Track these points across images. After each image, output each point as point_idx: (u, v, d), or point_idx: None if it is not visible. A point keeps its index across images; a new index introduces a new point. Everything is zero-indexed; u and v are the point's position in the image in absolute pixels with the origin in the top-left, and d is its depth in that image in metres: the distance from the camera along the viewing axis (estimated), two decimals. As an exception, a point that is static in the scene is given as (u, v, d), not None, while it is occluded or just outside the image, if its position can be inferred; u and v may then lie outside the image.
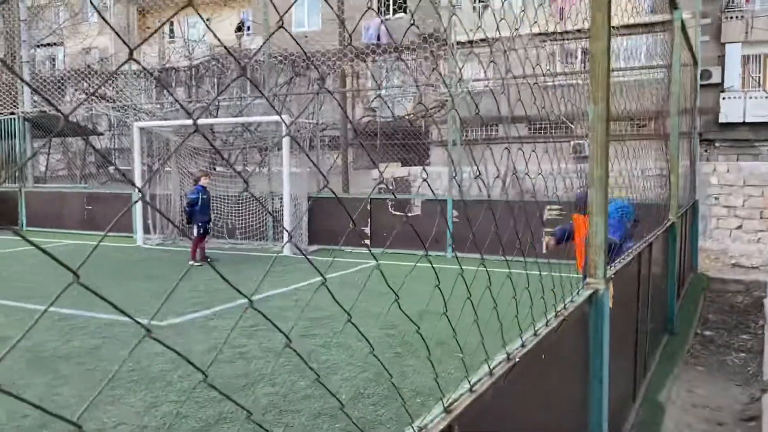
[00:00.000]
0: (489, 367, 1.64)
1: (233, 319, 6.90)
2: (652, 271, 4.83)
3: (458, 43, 15.62)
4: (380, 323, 6.78)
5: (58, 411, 3.27)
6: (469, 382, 1.52)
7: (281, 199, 12.91)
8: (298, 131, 13.05)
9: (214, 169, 15.66)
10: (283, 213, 12.32)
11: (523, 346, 1.94)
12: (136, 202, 0.93)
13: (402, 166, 18.48)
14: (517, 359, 1.80)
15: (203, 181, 10.76)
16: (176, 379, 5.00)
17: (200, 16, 1.18)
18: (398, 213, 11.95)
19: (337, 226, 12.51)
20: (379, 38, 22.80)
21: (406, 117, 18.54)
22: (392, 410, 4.40)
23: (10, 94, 16.83)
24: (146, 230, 13.53)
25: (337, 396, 4.67)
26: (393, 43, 17.38)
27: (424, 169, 1.98)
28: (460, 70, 13.67)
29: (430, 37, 15.02)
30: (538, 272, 2.24)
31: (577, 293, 2.74)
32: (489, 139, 19.63)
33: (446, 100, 14.66)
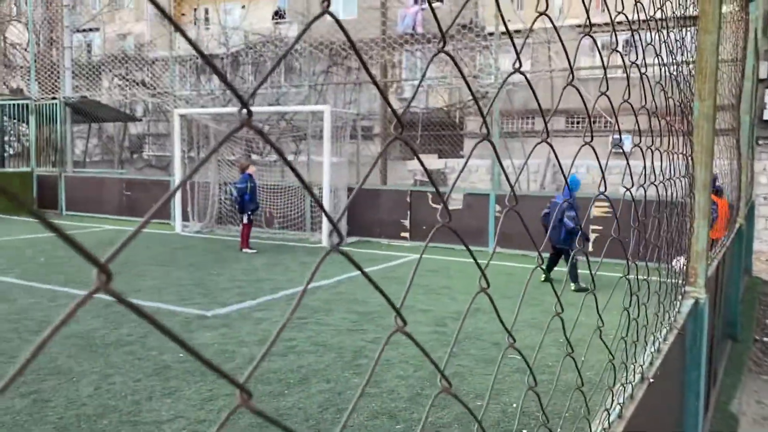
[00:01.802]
0: (632, 389, 1.50)
1: (279, 311, 6.84)
2: (725, 275, 4.62)
3: (490, 34, 15.32)
4: (429, 319, 6.65)
5: (115, 401, 3.19)
6: (621, 406, 1.38)
7: (320, 189, 12.85)
8: (336, 121, 12.94)
9: (250, 157, 15.65)
10: (322, 203, 12.22)
11: (651, 364, 1.78)
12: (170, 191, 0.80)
13: (438, 158, 18.28)
14: (651, 379, 1.65)
15: (250, 170, 10.88)
16: (230, 372, 4.92)
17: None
18: (438, 206, 11.79)
19: (376, 218, 12.41)
20: (414, 27, 22.55)
21: (443, 108, 18.31)
22: (453, 413, 4.26)
23: (52, 78, 17.01)
24: (185, 218, 13.58)
25: (393, 396, 4.57)
26: (428, 33, 17.15)
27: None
28: (495, 61, 13.37)
29: (464, 28, 14.76)
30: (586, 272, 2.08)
31: (679, 303, 2.57)
32: (526, 132, 19.30)
33: (486, 92, 14.40)
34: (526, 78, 0.98)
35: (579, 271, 8.46)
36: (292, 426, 4.02)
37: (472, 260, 1.70)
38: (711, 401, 4.47)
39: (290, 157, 18.18)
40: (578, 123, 21.89)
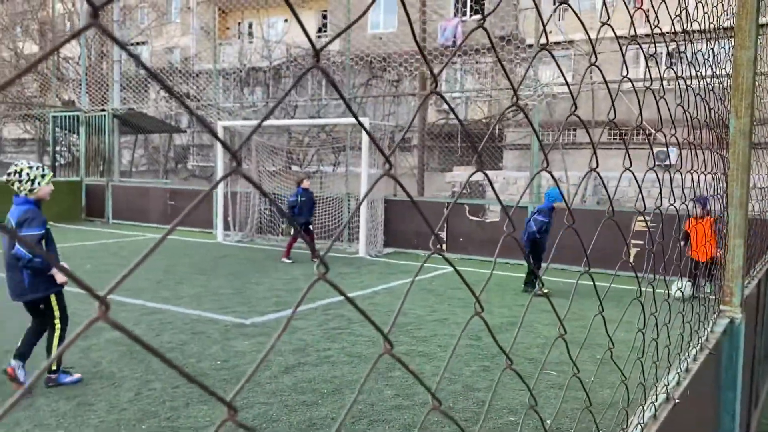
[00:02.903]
0: (655, 410, 1.49)
1: (315, 320, 6.92)
2: (768, 293, 4.50)
3: (530, 46, 15.26)
4: (466, 333, 6.64)
5: (154, 406, 3.29)
6: (642, 426, 1.38)
7: (357, 199, 12.95)
8: (374, 132, 13.05)
9: (290, 168, 15.90)
10: (360, 214, 12.34)
11: (678, 384, 1.77)
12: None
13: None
14: (677, 400, 1.64)
15: (304, 184, 11.12)
16: (264, 380, 5.03)
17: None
18: (475, 218, 11.76)
19: (412, 229, 12.44)
20: (455, 40, 22.59)
21: (483, 120, 18.25)
22: (486, 428, 4.25)
23: (101, 91, 17.62)
24: (226, 227, 13.85)
25: (426, 408, 4.58)
26: (469, 45, 17.15)
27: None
28: (533, 72, 13.31)
29: (502, 40, 14.74)
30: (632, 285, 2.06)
31: (712, 323, 2.53)
32: (567, 144, 19.09)
33: (525, 104, 14.31)
34: (569, 88, 1.01)
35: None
36: (325, 436, 4.07)
37: (510, 273, 1.71)
38: (752, 423, 4.35)
39: (329, 169, 18.39)
40: (621, 136, 21.54)
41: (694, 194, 2.20)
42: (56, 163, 19.54)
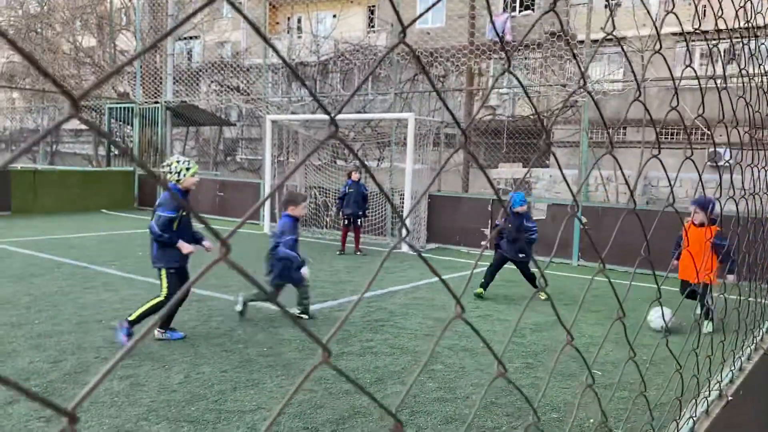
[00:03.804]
0: (707, 405, 1.49)
1: (358, 312, 6.99)
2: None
3: (581, 42, 14.97)
4: (507, 329, 6.61)
5: (202, 389, 3.40)
6: (695, 420, 1.38)
7: (401, 195, 12.99)
8: (420, 128, 13.06)
9: (335, 162, 16.04)
10: (403, 209, 12.37)
11: (731, 382, 1.75)
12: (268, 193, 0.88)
13: (523, 167, 18.02)
14: (730, 397, 1.62)
15: (353, 176, 11.24)
16: (308, 368, 5.11)
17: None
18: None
19: (455, 226, 12.41)
20: (503, 35, 22.36)
21: (531, 117, 18.03)
22: (526, 423, 4.24)
23: (155, 84, 18.11)
24: (273, 219, 14.08)
25: (467, 402, 4.59)
26: (518, 41, 16.95)
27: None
28: (583, 70, 13.07)
29: (553, 36, 14.52)
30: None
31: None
32: (617, 143, 18.69)
33: (575, 101, 14.10)
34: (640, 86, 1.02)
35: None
36: (368, 425, 4.13)
37: (555, 272, 1.70)
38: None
39: (373, 164, 18.48)
40: (673, 135, 21.00)
41: (746, 193, 2.13)
42: (111, 154, 20.18)
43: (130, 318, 5.56)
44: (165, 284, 5.68)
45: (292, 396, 0.71)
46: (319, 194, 14.40)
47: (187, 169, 5.62)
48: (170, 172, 5.61)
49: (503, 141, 17.77)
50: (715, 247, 5.82)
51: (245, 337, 5.93)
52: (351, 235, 11.56)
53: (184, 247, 5.62)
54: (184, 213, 5.61)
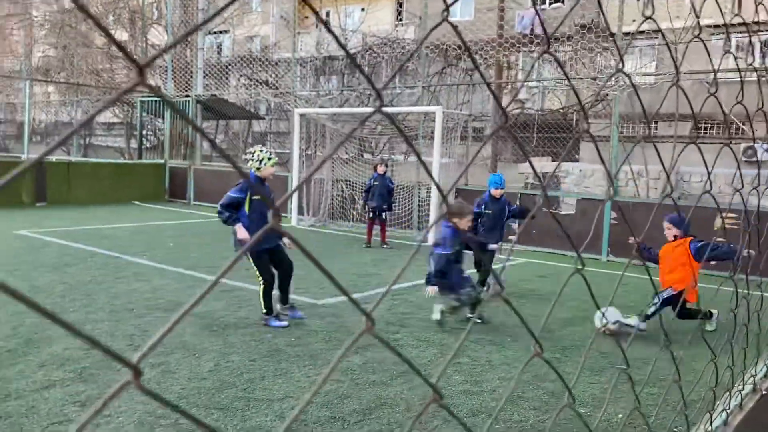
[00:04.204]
0: (741, 398, 1.47)
1: (384, 305, 7.01)
2: None
3: (612, 34, 14.72)
4: (534, 325, 6.57)
5: (231, 377, 3.44)
6: (728, 413, 1.36)
7: (428, 189, 12.97)
8: (447, 122, 13.01)
9: (362, 155, 16.07)
10: (430, 203, 12.37)
11: (766, 376, 1.72)
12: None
13: (551, 161, 17.85)
14: (764, 391, 1.60)
15: (379, 169, 11.26)
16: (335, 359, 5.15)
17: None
18: (549, 210, 11.54)
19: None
20: (533, 28, 22.14)
21: (560, 110, 17.82)
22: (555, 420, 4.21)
23: (185, 77, 18.33)
24: (300, 212, 14.19)
25: (494, 395, 4.59)
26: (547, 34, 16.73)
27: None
28: (617, 62, 12.86)
29: (583, 28, 14.32)
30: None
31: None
32: (649, 137, 18.39)
33: (606, 94, 13.89)
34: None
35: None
36: (395, 416, 4.15)
37: (587, 267, 1.68)
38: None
39: (400, 157, 18.48)
40: (707, 129, 20.58)
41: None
42: (142, 147, 20.51)
43: (264, 312, 6.00)
44: (256, 270, 5.94)
45: (328, 375, 0.72)
46: (346, 187, 14.46)
47: (269, 158, 5.97)
48: (252, 159, 6.00)
49: (533, 135, 17.60)
50: (699, 252, 5.96)
51: (273, 327, 5.99)
52: (377, 228, 11.58)
53: (240, 231, 5.84)
54: (257, 198, 5.89)
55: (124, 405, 4.07)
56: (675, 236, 6.42)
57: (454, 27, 0.68)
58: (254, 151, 6.08)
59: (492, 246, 7.67)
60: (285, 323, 5.94)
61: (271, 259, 6.07)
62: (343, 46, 0.62)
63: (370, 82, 0.55)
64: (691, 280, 5.89)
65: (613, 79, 12.39)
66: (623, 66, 0.97)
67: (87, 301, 6.62)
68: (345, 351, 0.68)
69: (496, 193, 7.77)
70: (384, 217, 11.57)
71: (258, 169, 5.96)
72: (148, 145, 21.28)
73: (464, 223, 6.18)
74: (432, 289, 6.19)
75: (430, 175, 0.80)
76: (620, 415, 4.28)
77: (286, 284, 6.25)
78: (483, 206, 7.83)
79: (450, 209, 5.91)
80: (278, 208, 0.59)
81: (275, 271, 6.10)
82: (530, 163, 1.11)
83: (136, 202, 17.13)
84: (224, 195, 6.03)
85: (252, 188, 5.91)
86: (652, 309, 6.07)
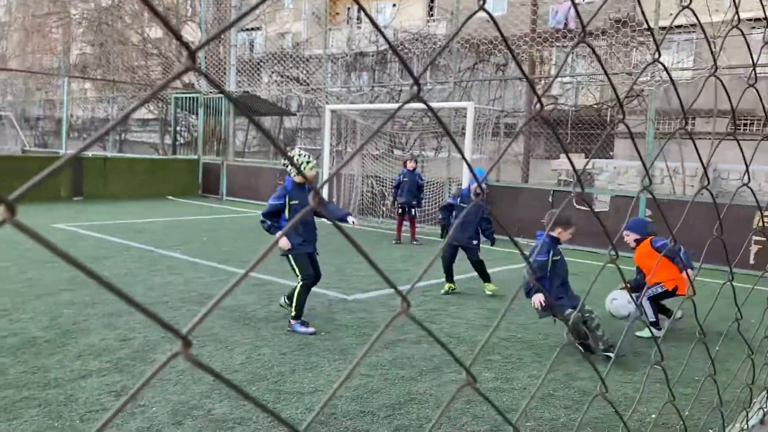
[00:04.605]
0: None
1: (413, 301, 7.01)
2: None
3: (648, 29, 14.44)
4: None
5: (263, 370, 3.47)
6: (765, 412, 1.33)
7: (458, 185, 12.91)
8: (479, 118, 12.92)
9: (392, 152, 16.07)
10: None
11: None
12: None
13: (585, 158, 17.60)
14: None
15: (408, 165, 11.23)
16: (368, 355, 5.17)
17: None
18: (582, 207, 11.39)
19: (514, 216, 12.25)
20: (566, 23, 21.84)
21: (594, 106, 17.56)
22: (587, 417, 4.17)
23: (218, 74, 18.55)
24: (329, 207, 14.27)
25: (524, 393, 4.55)
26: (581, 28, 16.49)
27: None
28: (653, 56, 12.62)
29: (618, 22, 14.06)
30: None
31: None
32: (685, 130, 17.98)
33: (642, 90, 13.63)
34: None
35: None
36: (424, 411, 4.15)
37: (621, 265, 1.66)
38: None
39: (430, 153, 18.42)
40: (746, 125, 20.06)
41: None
42: (176, 143, 20.83)
43: (293, 315, 5.81)
44: (296, 268, 5.89)
45: (368, 349, 0.73)
46: (376, 184, 14.48)
47: (307, 162, 5.90)
48: (290, 165, 5.91)
49: (567, 131, 17.38)
50: (661, 250, 5.94)
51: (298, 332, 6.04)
52: (407, 224, 11.57)
53: (282, 240, 5.80)
54: (296, 203, 5.88)
55: (158, 396, 4.15)
56: (636, 241, 6.34)
57: (491, 15, 0.67)
58: (292, 156, 6.06)
59: (473, 243, 7.54)
60: (312, 330, 5.74)
61: (310, 260, 6.04)
62: (383, 34, 0.62)
63: (407, 68, 0.55)
64: (677, 272, 6.03)
65: (649, 74, 12.15)
66: (659, 55, 0.95)
67: (122, 293, 6.75)
68: (382, 331, 0.68)
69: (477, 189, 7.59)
70: (413, 213, 11.55)
71: (296, 174, 5.94)
72: (181, 141, 21.60)
73: (566, 235, 5.70)
74: (538, 298, 5.39)
75: (470, 167, 0.79)
76: (653, 415, 4.21)
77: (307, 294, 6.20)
78: (459, 199, 7.65)
79: (559, 219, 5.56)
80: (318, 189, 0.60)
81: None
82: (568, 157, 1.09)
83: (170, 197, 17.42)
84: (256, 190, 6.09)
85: (289, 194, 5.89)
86: (650, 313, 6.07)
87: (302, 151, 6.06)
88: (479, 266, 7.60)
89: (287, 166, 6.04)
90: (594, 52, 0.89)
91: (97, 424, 3.67)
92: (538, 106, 0.81)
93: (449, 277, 7.53)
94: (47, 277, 7.30)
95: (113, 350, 4.99)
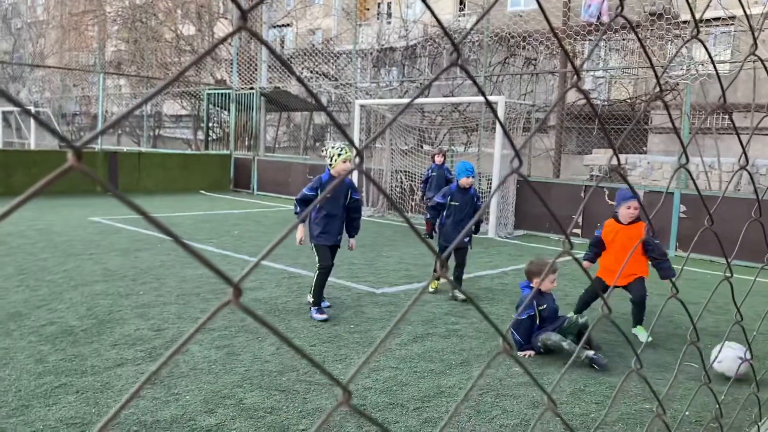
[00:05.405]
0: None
1: (443, 295, 6.99)
2: None
3: (684, 22, 14.16)
4: (594, 316, 6.42)
5: (293, 361, 3.49)
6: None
7: (489, 180, 12.84)
8: (509, 112, 12.81)
9: (422, 147, 16.03)
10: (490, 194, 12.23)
11: None
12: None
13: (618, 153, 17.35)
14: None
15: (436, 159, 11.16)
16: (395, 347, 5.19)
17: None
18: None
19: (545, 212, 12.13)
20: (599, 16, 21.50)
21: (627, 101, 17.27)
22: (617, 412, 4.13)
23: (250, 70, 18.73)
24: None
25: (556, 388, 4.51)
26: (615, 22, 16.22)
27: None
28: (686, 50, 12.35)
29: (653, 15, 13.79)
30: None
31: None
32: (720, 129, 17.60)
33: (677, 83, 13.36)
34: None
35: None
36: (452, 405, 4.15)
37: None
38: None
39: (460, 149, 18.34)
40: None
41: None
42: (209, 138, 21.10)
43: (311, 301, 6.07)
44: (316, 257, 6.10)
45: (402, 317, 0.73)
46: (405, 178, 14.47)
47: (339, 154, 5.98)
48: (325, 157, 6.23)
49: (598, 126, 17.12)
50: (645, 246, 5.74)
51: (333, 314, 6.08)
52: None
53: (298, 230, 6.18)
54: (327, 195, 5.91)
55: (191, 385, 4.23)
56: (638, 218, 6.13)
57: (540, 4, 0.67)
58: (327, 148, 6.21)
59: (465, 240, 7.09)
60: (325, 316, 5.88)
61: (330, 251, 6.20)
62: (437, 18, 0.62)
63: (447, 34, 0.55)
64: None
65: (684, 68, 11.90)
66: (698, 32, 0.93)
67: (157, 284, 6.89)
68: (420, 293, 0.68)
69: (465, 182, 6.97)
70: None
71: (331, 165, 6.07)
72: (214, 137, 21.85)
73: (547, 284, 5.31)
74: (528, 353, 5.26)
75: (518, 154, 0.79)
76: (687, 413, 4.15)
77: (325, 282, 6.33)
78: (449, 197, 7.10)
79: (529, 269, 5.43)
80: (362, 151, 0.61)
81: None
82: (613, 149, 1.08)
83: (202, 192, 17.66)
84: (286, 185, 6.18)
85: (322, 186, 6.07)
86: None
87: (335, 144, 6.22)
88: (461, 269, 7.14)
89: (326, 158, 6.15)
90: (630, 24, 0.88)
91: (133, 410, 3.76)
92: (579, 72, 0.80)
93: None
94: (83, 268, 7.48)
95: (147, 340, 5.10)
